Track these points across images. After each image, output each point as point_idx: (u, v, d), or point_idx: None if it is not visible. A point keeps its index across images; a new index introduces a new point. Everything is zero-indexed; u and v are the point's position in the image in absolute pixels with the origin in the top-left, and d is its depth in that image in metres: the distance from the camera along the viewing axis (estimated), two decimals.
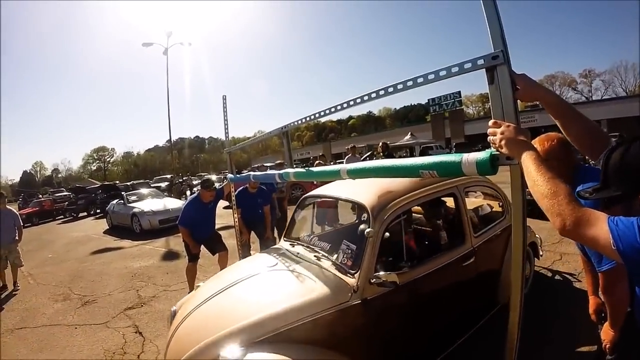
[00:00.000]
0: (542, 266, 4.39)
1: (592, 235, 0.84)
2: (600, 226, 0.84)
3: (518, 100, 1.20)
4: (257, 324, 2.06)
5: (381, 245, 2.40)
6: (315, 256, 2.71)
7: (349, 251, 2.47)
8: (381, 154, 8.41)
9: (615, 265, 1.45)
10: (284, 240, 3.38)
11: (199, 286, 3.03)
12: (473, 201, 3.99)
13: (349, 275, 2.32)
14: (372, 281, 2.19)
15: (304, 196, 3.67)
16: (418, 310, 2.51)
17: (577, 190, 1.03)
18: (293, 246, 3.10)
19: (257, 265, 2.85)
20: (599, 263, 1.53)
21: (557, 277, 4.15)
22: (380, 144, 8.94)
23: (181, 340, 2.27)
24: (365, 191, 2.70)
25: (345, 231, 3.44)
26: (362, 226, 2.51)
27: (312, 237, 3.23)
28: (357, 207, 2.61)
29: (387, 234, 2.41)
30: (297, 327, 2.05)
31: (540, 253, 3.98)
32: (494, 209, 3.79)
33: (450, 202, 3.31)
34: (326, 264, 2.55)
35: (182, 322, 2.42)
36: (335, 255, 2.55)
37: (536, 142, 1.72)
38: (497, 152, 1.16)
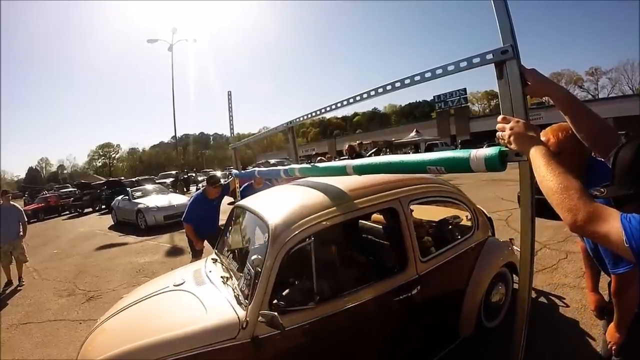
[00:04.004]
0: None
1: (604, 231, 0.82)
2: (613, 222, 0.81)
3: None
4: (132, 352, 1.87)
5: (290, 272, 2.12)
6: (222, 277, 2.41)
7: (249, 277, 2.04)
8: (347, 157, 7.14)
9: (631, 269, 1.41)
10: (214, 252, 3.08)
11: (122, 297, 2.93)
12: (433, 213, 3.44)
13: (242, 306, 1.97)
14: (260, 319, 1.86)
15: (235, 204, 3.23)
16: (330, 355, 2.13)
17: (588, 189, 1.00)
18: (215, 262, 2.79)
19: (168, 282, 2.64)
20: (616, 265, 1.48)
21: (542, 298, 3.55)
22: (347, 146, 7.44)
23: (83, 353, 2.20)
24: (280, 204, 2.36)
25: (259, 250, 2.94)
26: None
27: (232, 252, 2.89)
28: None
29: (313, 257, 1.99)
30: None
31: None
32: (461, 222, 3.20)
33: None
34: (228, 289, 2.23)
35: (90, 334, 2.36)
36: (239, 280, 2.21)
37: (548, 133, 1.64)
38: (506, 149, 1.14)
